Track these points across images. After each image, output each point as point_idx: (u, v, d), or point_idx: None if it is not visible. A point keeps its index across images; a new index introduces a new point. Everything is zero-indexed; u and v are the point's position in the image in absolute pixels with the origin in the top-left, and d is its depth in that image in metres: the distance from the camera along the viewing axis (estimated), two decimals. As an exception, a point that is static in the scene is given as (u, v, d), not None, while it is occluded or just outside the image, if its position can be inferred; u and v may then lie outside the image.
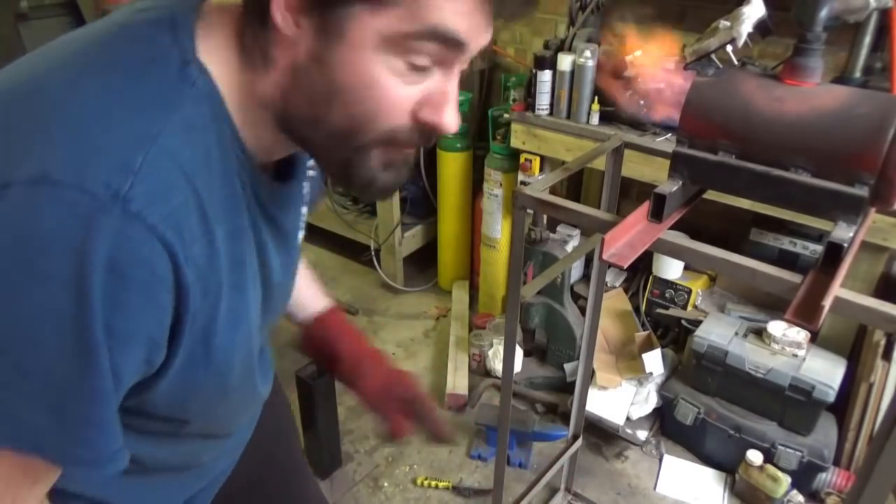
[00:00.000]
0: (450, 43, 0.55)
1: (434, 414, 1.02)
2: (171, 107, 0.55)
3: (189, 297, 0.57)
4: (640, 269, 2.48)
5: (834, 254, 0.85)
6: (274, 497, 1.09)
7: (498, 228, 2.57)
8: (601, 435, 2.19)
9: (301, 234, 0.83)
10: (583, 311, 1.93)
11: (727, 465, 2.06)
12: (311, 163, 0.79)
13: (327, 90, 0.56)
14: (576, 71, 2.12)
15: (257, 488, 1.05)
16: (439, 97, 0.58)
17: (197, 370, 0.64)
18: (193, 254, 0.56)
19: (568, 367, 2.35)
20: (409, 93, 0.57)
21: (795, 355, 1.94)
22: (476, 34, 0.56)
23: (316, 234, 2.81)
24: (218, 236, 0.59)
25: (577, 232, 2.52)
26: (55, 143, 0.50)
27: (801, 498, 1.92)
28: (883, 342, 1.84)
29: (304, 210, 0.81)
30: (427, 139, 0.60)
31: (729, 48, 0.97)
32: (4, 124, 0.52)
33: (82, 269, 0.48)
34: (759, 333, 2.02)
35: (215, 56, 0.58)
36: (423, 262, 3.08)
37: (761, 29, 0.97)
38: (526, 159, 2.35)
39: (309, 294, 1.07)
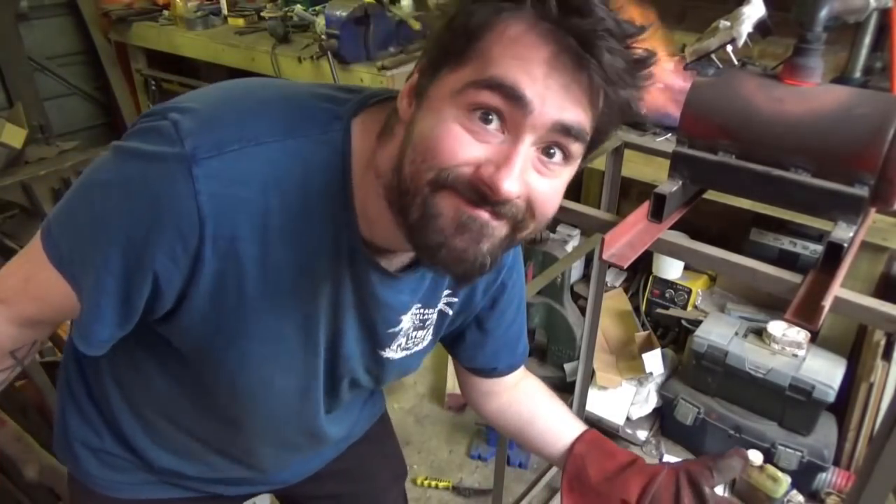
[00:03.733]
0: (508, 95, 0.56)
1: None
2: (296, 134, 0.65)
3: (203, 272, 0.65)
4: (640, 269, 2.48)
5: (834, 254, 0.85)
6: None
7: (498, 228, 2.57)
8: (601, 435, 2.18)
9: (406, 342, 0.85)
10: (583, 311, 1.93)
11: (727, 465, 2.06)
12: (446, 294, 0.84)
13: (407, 145, 0.62)
14: (576, 71, 2.12)
15: None
16: (501, 158, 0.58)
17: (218, 358, 0.74)
18: (237, 247, 0.64)
19: (568, 367, 2.35)
20: (475, 146, 0.58)
21: (795, 355, 1.94)
22: (545, 99, 0.56)
23: None
24: (273, 253, 0.66)
25: (577, 232, 2.52)
26: (202, 111, 0.65)
27: (801, 498, 1.92)
28: (883, 342, 1.84)
29: (413, 314, 0.82)
30: (483, 199, 0.59)
31: (729, 48, 0.97)
32: (217, 89, 0.71)
33: (137, 187, 0.63)
34: (759, 333, 2.02)
35: (361, 129, 0.68)
36: (423, 262, 3.08)
37: (761, 29, 0.97)
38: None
39: (563, 422, 1.01)
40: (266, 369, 0.76)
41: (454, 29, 0.59)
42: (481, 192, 0.58)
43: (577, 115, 0.58)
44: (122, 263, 0.64)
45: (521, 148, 0.58)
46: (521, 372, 1.02)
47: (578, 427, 0.98)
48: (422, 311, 0.83)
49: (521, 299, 0.95)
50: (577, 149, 0.61)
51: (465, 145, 0.58)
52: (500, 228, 0.61)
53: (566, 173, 0.63)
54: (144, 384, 0.84)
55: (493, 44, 0.57)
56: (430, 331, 0.87)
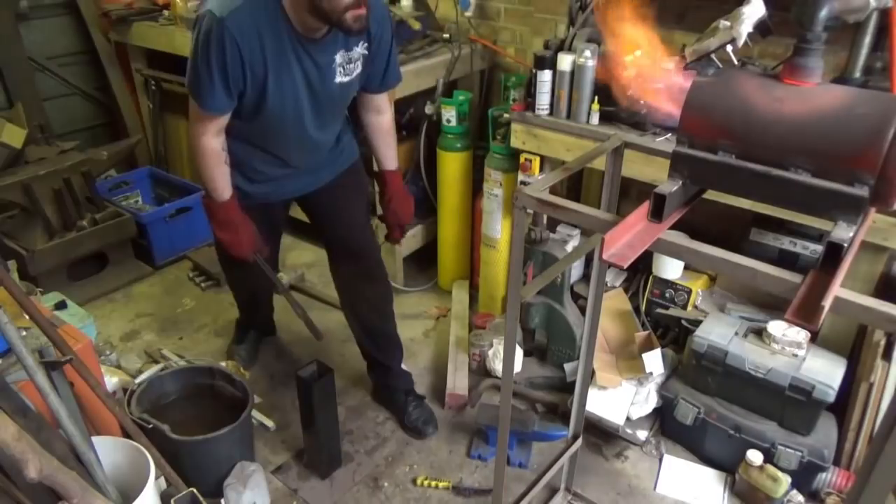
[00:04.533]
0: None
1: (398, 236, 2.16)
2: None
3: (247, 65, 1.60)
4: (640, 269, 2.48)
5: (834, 254, 0.85)
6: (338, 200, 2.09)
7: (498, 228, 2.57)
8: (601, 435, 2.19)
9: (345, 76, 1.75)
10: (583, 311, 1.93)
11: (727, 465, 2.06)
12: (354, 51, 1.74)
13: None
14: (576, 71, 2.12)
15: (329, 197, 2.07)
16: None
17: (260, 105, 1.70)
18: (250, 49, 1.58)
19: (568, 367, 2.35)
20: None
21: (795, 355, 1.94)
22: None
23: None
24: (267, 47, 1.60)
25: (577, 232, 2.52)
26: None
27: (801, 498, 1.92)
28: (883, 342, 1.84)
29: (339, 58, 1.71)
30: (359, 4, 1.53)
31: (729, 48, 0.98)
32: None
33: (207, 41, 1.57)
34: (759, 333, 2.02)
35: None
36: (423, 262, 3.08)
37: (761, 29, 0.97)
38: (526, 159, 2.35)
39: (385, 154, 2.04)
40: (282, 105, 1.70)
41: None
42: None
43: None
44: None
45: None
46: (387, 101, 1.99)
47: (388, 164, 2.05)
48: (345, 53, 1.71)
49: (390, 40, 1.80)
50: None
51: None
52: (363, 10, 1.54)
53: None
54: (244, 135, 1.81)
55: None
56: (359, 62, 1.76)
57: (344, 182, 2.06)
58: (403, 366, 2.32)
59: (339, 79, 1.73)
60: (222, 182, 1.80)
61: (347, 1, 1.49)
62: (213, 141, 1.74)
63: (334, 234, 2.15)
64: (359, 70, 1.77)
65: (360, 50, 1.73)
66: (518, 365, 2.39)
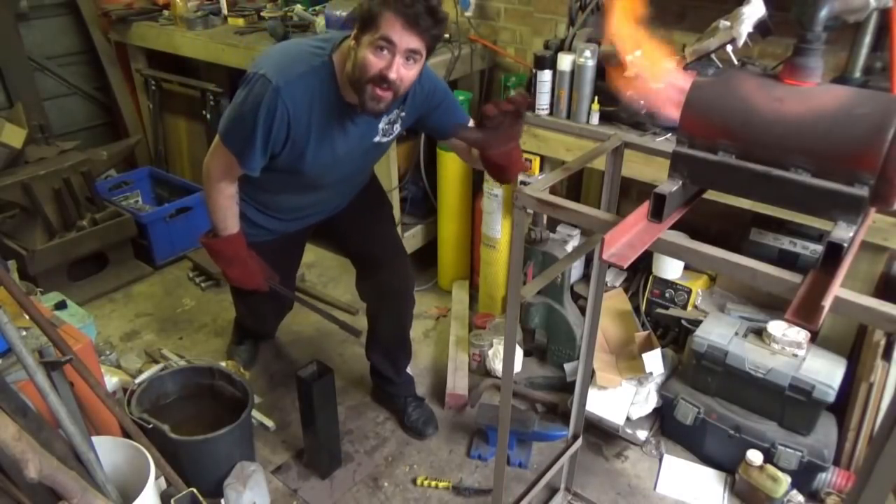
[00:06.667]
0: (387, 40, 1.47)
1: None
2: (312, 67, 1.59)
3: (291, 133, 1.62)
4: (640, 269, 2.48)
5: (834, 254, 0.85)
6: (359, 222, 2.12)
7: (498, 228, 2.57)
8: (601, 435, 2.19)
9: (385, 137, 1.80)
10: (583, 311, 1.93)
11: (727, 465, 2.06)
12: (393, 114, 1.75)
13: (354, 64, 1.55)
14: (576, 71, 2.12)
15: (352, 218, 2.10)
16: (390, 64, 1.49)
17: (295, 166, 1.72)
18: (298, 119, 1.61)
19: (568, 367, 2.35)
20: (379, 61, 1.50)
21: (795, 355, 1.94)
22: (402, 40, 1.47)
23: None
24: (313, 119, 1.63)
25: (577, 232, 2.52)
26: (273, 64, 1.59)
27: (801, 498, 1.92)
28: (883, 342, 1.84)
29: (381, 125, 1.75)
30: (387, 83, 1.50)
31: (729, 48, 0.98)
32: (267, 54, 1.69)
33: (258, 104, 1.56)
34: (759, 333, 2.02)
35: (338, 56, 1.61)
36: (423, 262, 3.08)
37: (761, 29, 0.97)
38: (526, 159, 2.35)
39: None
40: (321, 165, 1.73)
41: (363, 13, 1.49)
42: (387, 81, 1.50)
43: (417, 44, 1.48)
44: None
45: (397, 58, 1.49)
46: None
47: None
48: (387, 117, 1.74)
49: (445, 94, 1.82)
50: (419, 57, 1.52)
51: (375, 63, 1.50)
52: (388, 95, 1.53)
53: (419, 66, 1.54)
54: (268, 185, 1.83)
55: (381, 21, 1.45)
56: (398, 124, 1.80)
57: (360, 195, 2.08)
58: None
59: (377, 138, 1.77)
60: (232, 220, 1.84)
61: (373, 73, 1.47)
62: (230, 187, 1.78)
63: (358, 247, 2.15)
64: (398, 129, 1.81)
65: (398, 112, 1.75)
66: (518, 365, 2.39)
